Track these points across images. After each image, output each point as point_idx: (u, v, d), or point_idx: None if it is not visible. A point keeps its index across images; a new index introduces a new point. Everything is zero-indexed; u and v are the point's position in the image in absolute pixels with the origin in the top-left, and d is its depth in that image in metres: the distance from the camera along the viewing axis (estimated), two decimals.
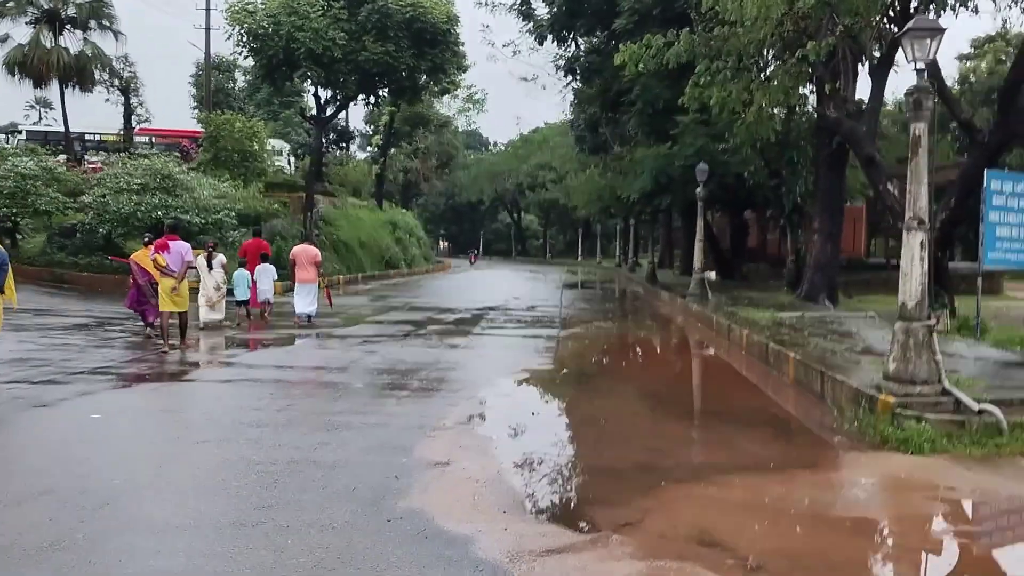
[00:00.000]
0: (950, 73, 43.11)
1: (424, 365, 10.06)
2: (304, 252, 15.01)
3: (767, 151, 19.89)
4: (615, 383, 9.35)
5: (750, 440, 6.61)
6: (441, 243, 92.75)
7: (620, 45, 14.77)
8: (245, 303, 14.77)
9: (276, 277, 15.95)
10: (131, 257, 12.81)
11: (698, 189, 18.69)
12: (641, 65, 14.76)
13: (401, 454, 5.85)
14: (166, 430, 6.76)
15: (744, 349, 11.49)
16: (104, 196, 22.89)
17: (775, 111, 18.10)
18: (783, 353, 9.53)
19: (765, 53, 14.58)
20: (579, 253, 67.07)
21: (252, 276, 14.87)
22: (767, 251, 32.70)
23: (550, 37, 28.78)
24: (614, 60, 15.30)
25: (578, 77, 28.47)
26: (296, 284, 14.79)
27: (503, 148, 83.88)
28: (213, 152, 31.66)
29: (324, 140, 44.42)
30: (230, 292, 14.50)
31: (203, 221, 22.44)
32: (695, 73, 14.68)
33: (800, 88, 16.33)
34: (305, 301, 14.56)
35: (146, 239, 13.23)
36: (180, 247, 11.08)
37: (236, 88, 60.15)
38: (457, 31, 33.17)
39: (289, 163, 45.81)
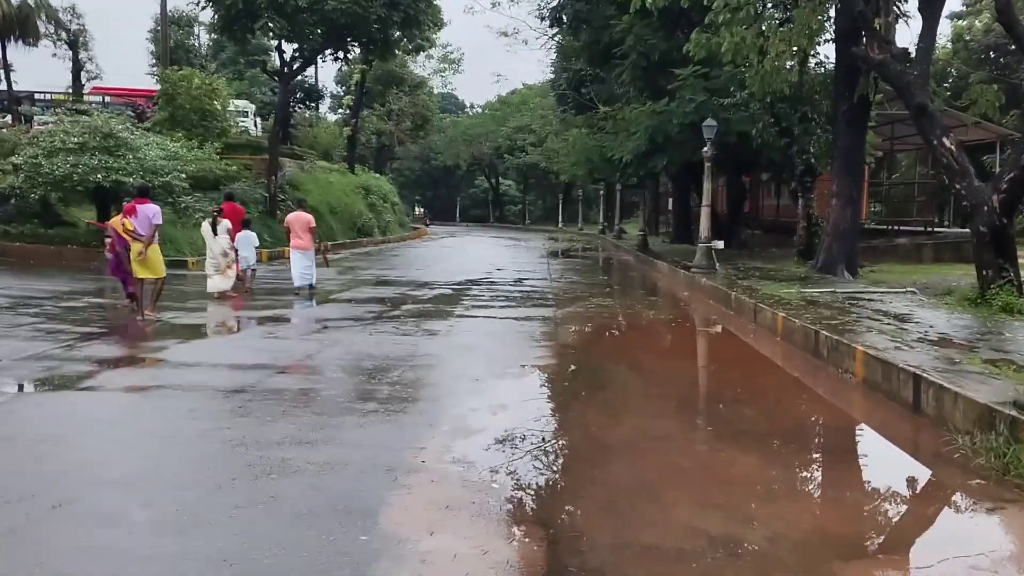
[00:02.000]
0: (943, 31, 41.26)
1: (396, 361, 8.10)
2: (297, 219, 14.45)
3: (777, 107, 17.96)
4: (640, 387, 7.45)
5: (854, 486, 4.79)
6: (417, 209, 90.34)
7: None
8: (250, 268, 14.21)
9: (258, 244, 15.42)
10: (109, 222, 12.35)
11: (705, 148, 16.72)
12: (650, 1, 12.68)
13: (359, 527, 3.92)
14: None
15: (780, 335, 9.64)
16: (36, 157, 20.51)
17: (792, 60, 16.17)
18: (843, 345, 7.68)
19: None
20: (559, 219, 64.96)
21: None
22: (762, 216, 30.96)
23: None
24: None
25: (564, 27, 26.20)
26: (292, 252, 14.30)
27: (480, 111, 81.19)
28: (169, 111, 29.58)
29: (290, 99, 41.76)
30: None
31: (148, 184, 20.16)
32: (712, 9, 12.65)
33: (823, 31, 14.39)
34: (303, 272, 14.10)
35: (121, 205, 12.88)
36: (147, 210, 10.77)
37: (198, 45, 56.99)
38: None
39: (256, 125, 43.41)
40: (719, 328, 11.28)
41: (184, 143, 25.16)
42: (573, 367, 8.09)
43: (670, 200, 43.60)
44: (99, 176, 19.76)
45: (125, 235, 10.90)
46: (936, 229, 25.88)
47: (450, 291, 15.31)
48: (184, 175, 21.80)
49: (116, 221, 11.56)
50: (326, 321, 10.96)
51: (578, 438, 5.67)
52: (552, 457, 5.23)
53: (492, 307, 12.90)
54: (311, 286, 14.23)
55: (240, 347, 9.23)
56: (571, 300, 14.14)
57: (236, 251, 13.78)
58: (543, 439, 5.58)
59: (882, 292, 12.37)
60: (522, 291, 15.49)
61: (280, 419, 5.94)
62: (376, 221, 38.28)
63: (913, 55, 11.12)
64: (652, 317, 12.08)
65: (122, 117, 28.89)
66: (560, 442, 5.59)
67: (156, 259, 10.93)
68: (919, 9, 10.79)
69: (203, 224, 13.23)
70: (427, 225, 54.34)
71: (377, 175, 49.22)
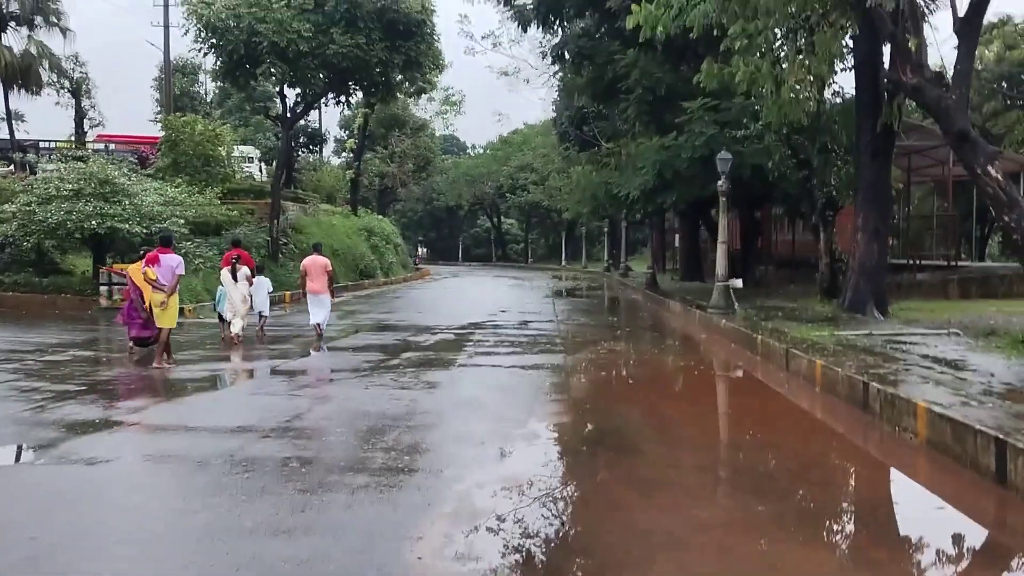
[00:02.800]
0: (950, 59, 40.83)
1: (393, 420, 7.25)
2: (314, 263, 14.45)
3: (793, 138, 17.26)
4: (671, 454, 6.51)
5: None
6: (420, 249, 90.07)
7: (633, 7, 12.04)
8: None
9: (272, 290, 15.57)
10: (128, 268, 12.52)
11: (720, 182, 15.99)
12: (660, 29, 12.06)
13: None
14: None
15: (819, 385, 8.75)
16: (30, 204, 19.98)
17: (811, 88, 15.52)
18: (900, 399, 6.80)
19: (809, 12, 11.91)
20: (562, 257, 64.31)
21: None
22: (776, 251, 30.17)
23: (535, 23, 26.08)
24: (626, 23, 12.61)
25: (567, 64, 25.73)
26: (308, 296, 14.22)
27: (482, 151, 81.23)
28: (172, 157, 29.32)
29: (293, 143, 41.47)
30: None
31: (145, 230, 19.55)
32: (727, 36, 12.00)
33: (843, 58, 13.75)
34: (319, 313, 14.08)
35: (141, 252, 13.03)
36: (171, 260, 10.86)
37: (202, 92, 57.22)
38: (433, 22, 30.49)
39: (260, 170, 43.30)
40: (747, 377, 10.39)
41: (184, 188, 24.66)
42: (591, 426, 7.21)
43: (676, 236, 43.05)
44: (94, 223, 19.18)
45: (143, 284, 11.08)
46: (959, 263, 25.06)
47: (452, 336, 14.47)
48: (182, 220, 21.18)
49: (135, 268, 11.73)
50: (320, 372, 10.12)
51: (608, 524, 4.78)
52: (579, 554, 4.34)
53: (497, 354, 12.05)
54: (320, 327, 14.14)
55: (224, 406, 8.37)
56: (581, 345, 13.28)
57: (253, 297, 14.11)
58: (565, 526, 4.70)
59: (923, 334, 11.49)
60: (528, 335, 14.65)
61: (257, 498, 5.07)
62: (379, 263, 37.72)
63: (949, 79, 10.40)
64: (671, 364, 11.21)
65: (123, 164, 28.83)
66: (587, 530, 4.70)
67: (175, 309, 11.01)
68: (956, 31, 10.10)
69: (223, 271, 13.80)
70: (416, 266, 53.57)
71: (380, 217, 48.87)
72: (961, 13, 10.16)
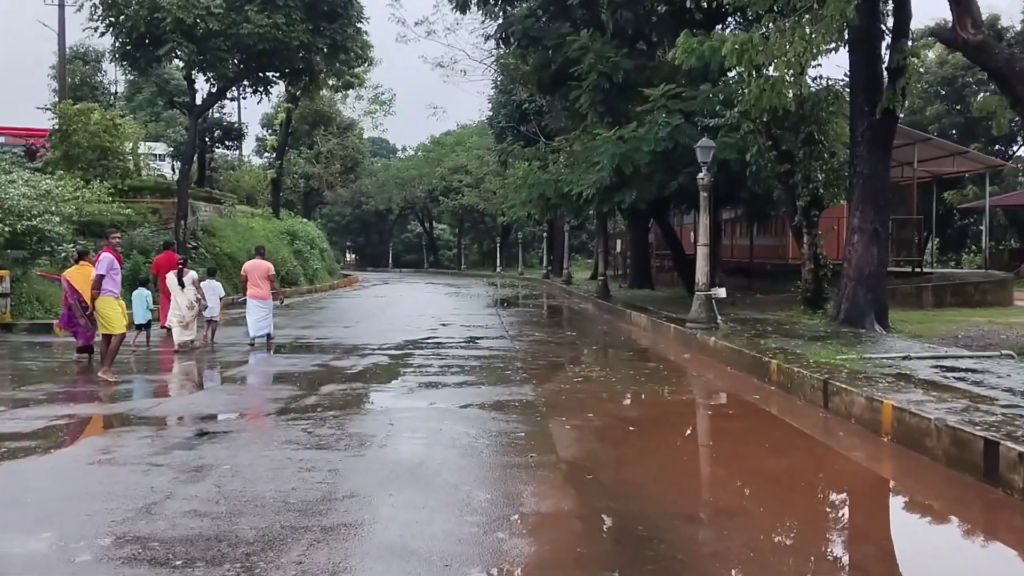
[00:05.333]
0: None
1: (299, 515, 4.61)
2: (256, 267, 14.00)
3: (774, 129, 15.22)
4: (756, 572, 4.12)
5: None
6: (347, 255, 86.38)
7: None
8: (145, 326, 13.56)
9: (223, 294, 15.32)
10: (64, 273, 11.97)
11: (700, 174, 13.74)
12: None
13: None
14: None
15: (889, 435, 6.48)
16: None
17: (803, 61, 13.53)
18: None
19: None
20: (497, 264, 61.82)
21: (160, 295, 14.30)
22: (732, 256, 28.38)
23: (474, 4, 23.61)
24: None
25: (512, 49, 23.30)
26: (248, 302, 13.71)
27: (413, 153, 78.10)
28: (63, 149, 25.79)
29: (205, 136, 37.86)
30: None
31: (9, 229, 16.21)
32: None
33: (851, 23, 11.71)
34: (258, 322, 13.56)
35: (75, 255, 12.41)
36: (101, 260, 10.15)
37: (106, 82, 52.67)
38: (360, 3, 27.75)
39: (173, 168, 39.67)
40: (773, 420, 8.04)
41: (67, 181, 21.23)
42: (608, 522, 4.70)
43: (618, 241, 41.09)
44: None
45: (83, 288, 10.66)
46: (924, 270, 23.69)
47: (386, 359, 11.79)
48: (58, 218, 17.82)
49: (72, 271, 11.36)
50: (205, 421, 7.33)
51: None
52: None
53: (445, 385, 9.43)
54: (269, 336, 13.67)
55: (37, 492, 5.52)
56: (547, 371, 10.80)
57: (166, 302, 13.52)
58: None
59: (969, 356, 9.44)
60: (479, 356, 12.08)
61: None
62: (302, 269, 34.61)
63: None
64: (668, 399, 8.81)
65: (3, 157, 25.35)
66: None
67: (106, 313, 10.15)
68: None
69: (168, 276, 13.34)
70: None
71: (304, 220, 45.56)
72: None
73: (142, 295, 13.75)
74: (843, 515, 5.23)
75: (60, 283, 12.17)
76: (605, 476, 5.62)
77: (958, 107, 39.57)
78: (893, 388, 7.26)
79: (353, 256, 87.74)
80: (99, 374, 9.77)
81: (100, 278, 9.95)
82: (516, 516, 4.73)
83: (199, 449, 6.23)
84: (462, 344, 13.72)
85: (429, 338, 14.65)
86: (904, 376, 7.94)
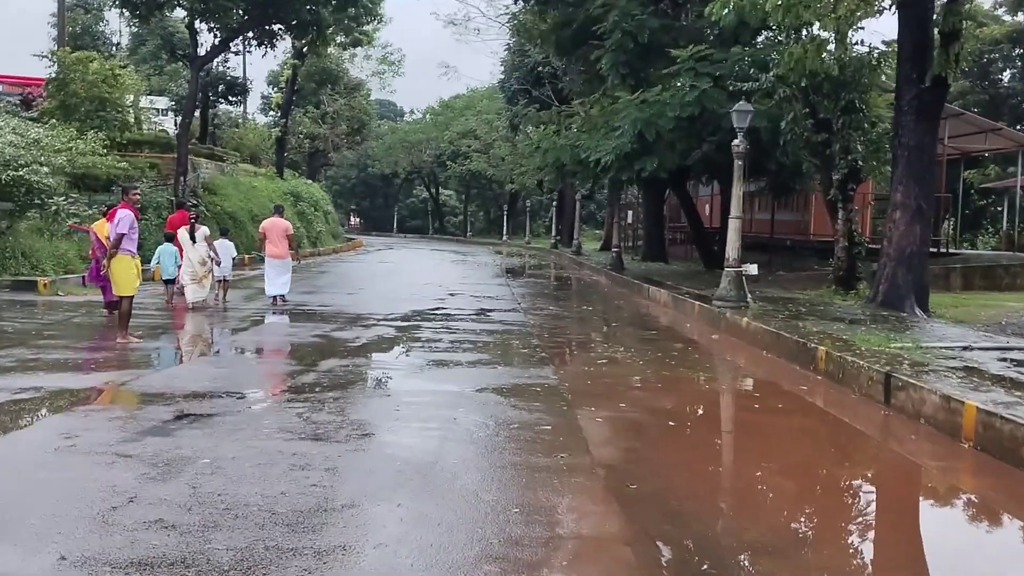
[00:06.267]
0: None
1: (287, 532, 3.77)
2: (274, 225, 13.94)
3: (813, 94, 14.17)
4: None
5: None
6: (352, 218, 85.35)
7: None
8: (171, 282, 13.57)
9: (236, 254, 15.54)
10: (92, 226, 12.01)
11: (736, 141, 12.72)
12: None
13: None
14: None
15: (970, 441, 5.60)
16: None
17: (852, 24, 12.52)
18: None
19: None
20: (504, 232, 60.69)
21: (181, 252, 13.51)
22: (751, 230, 27.28)
23: None
24: None
25: (531, 2, 22.11)
26: (267, 260, 13.83)
27: (421, 117, 76.45)
28: (60, 98, 24.87)
29: (208, 90, 36.69)
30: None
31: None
32: None
33: None
34: (277, 281, 13.66)
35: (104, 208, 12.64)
36: (118, 216, 9.53)
37: (108, 33, 51.33)
38: None
39: (176, 124, 38.60)
40: (827, 417, 7.14)
41: (60, 131, 20.33)
42: (664, 553, 3.84)
43: (629, 212, 39.99)
44: None
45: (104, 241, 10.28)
46: (951, 251, 22.73)
47: (392, 331, 10.93)
48: (46, 169, 16.87)
49: (100, 224, 11.20)
50: (188, 400, 6.48)
51: None
52: None
53: (457, 364, 8.57)
54: (283, 298, 13.66)
55: None
56: (567, 350, 9.94)
57: (213, 259, 13.36)
58: None
59: None
60: (492, 331, 11.21)
61: None
62: (306, 231, 33.72)
63: None
64: (705, 388, 7.95)
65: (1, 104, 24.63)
66: None
67: (119, 273, 9.50)
68: None
69: (180, 231, 13.28)
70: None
71: (308, 181, 44.56)
72: None
73: (169, 250, 13.50)
74: (949, 546, 4.38)
75: (89, 235, 12.15)
76: (651, 486, 4.76)
77: (984, 83, 38.29)
78: (968, 385, 6.38)
79: (357, 220, 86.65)
80: (118, 340, 9.24)
81: (120, 237, 9.37)
82: (552, 538, 3.88)
83: (176, 436, 5.38)
84: (472, 316, 12.85)
85: (437, 309, 13.79)
86: (973, 370, 7.05)
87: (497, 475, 4.83)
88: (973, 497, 5.08)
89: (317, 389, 6.97)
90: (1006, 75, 41.33)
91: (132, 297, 9.59)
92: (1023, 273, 20.43)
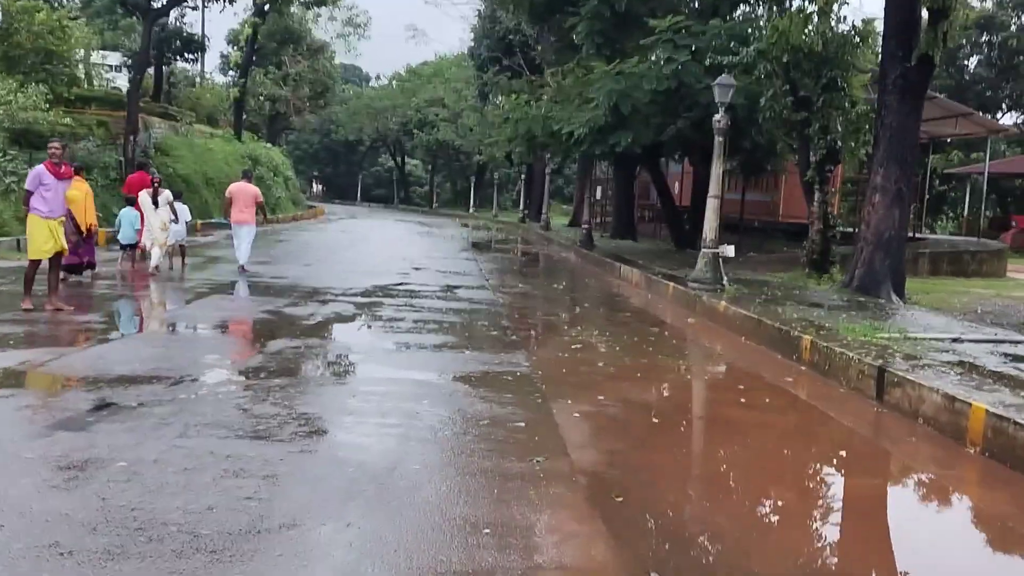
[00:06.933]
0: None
1: (210, 560, 3.13)
2: (242, 190, 13.72)
3: (794, 71, 13.64)
4: None
5: None
6: (314, 185, 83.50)
7: None
8: (131, 247, 13.17)
9: (190, 218, 15.45)
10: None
11: (717, 116, 12.18)
12: None
13: None
14: None
15: (976, 446, 5.15)
16: None
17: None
18: None
19: None
20: (471, 204, 59.72)
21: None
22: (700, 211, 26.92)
23: None
24: None
25: None
26: (234, 227, 13.71)
27: (387, 83, 74.67)
28: (3, 49, 23.42)
29: (162, 45, 35.07)
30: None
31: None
32: None
33: None
34: (243, 248, 13.55)
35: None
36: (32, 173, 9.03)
37: None
38: None
39: (129, 81, 36.77)
40: (816, 414, 6.67)
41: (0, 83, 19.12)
42: None
43: (598, 188, 39.42)
44: None
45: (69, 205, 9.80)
46: (917, 236, 22.60)
47: (351, 308, 10.23)
48: None
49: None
50: (112, 385, 5.74)
51: None
52: None
53: (421, 348, 7.93)
54: (243, 267, 13.51)
55: None
56: (539, 333, 9.37)
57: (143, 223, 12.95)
58: None
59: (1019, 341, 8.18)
60: (459, 310, 10.57)
61: None
62: (265, 197, 32.50)
63: None
64: (686, 377, 7.45)
65: None
66: None
67: (28, 233, 8.97)
68: None
69: (142, 194, 12.81)
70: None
71: (268, 145, 43.07)
72: None
73: (129, 215, 13.07)
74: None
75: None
76: (639, 497, 4.20)
77: (950, 69, 38.35)
78: (969, 383, 5.94)
79: (320, 187, 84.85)
80: (22, 304, 8.64)
81: (28, 195, 8.69)
82: (530, 570, 3.29)
83: (92, 431, 4.67)
84: (439, 294, 12.18)
85: (400, 284, 13.09)
86: (969, 365, 6.64)
87: (465, 484, 4.22)
88: (990, 512, 4.62)
89: (262, 375, 6.28)
90: (973, 60, 41.49)
91: (37, 262, 8.80)
92: (989, 259, 20.46)
